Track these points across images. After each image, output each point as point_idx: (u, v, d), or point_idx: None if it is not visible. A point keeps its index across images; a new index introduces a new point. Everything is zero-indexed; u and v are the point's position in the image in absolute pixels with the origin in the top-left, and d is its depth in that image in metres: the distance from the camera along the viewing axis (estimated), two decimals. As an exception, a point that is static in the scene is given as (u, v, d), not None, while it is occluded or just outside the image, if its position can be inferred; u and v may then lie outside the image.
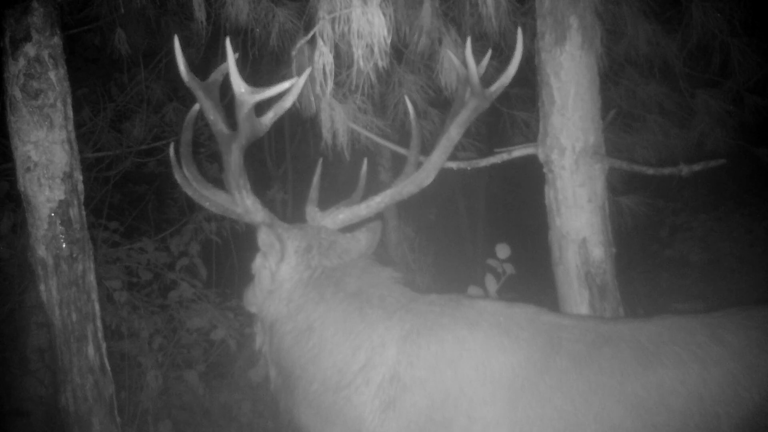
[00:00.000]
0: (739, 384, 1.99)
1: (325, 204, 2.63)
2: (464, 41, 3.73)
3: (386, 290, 2.41)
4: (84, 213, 3.32)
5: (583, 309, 3.20)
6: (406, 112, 4.45)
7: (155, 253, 4.99)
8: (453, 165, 3.43)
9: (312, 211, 2.57)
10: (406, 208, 6.76)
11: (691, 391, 2.00)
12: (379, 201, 2.50)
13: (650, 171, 3.35)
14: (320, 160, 2.71)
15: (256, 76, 6.31)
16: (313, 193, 2.61)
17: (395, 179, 2.56)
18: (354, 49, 2.69)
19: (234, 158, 2.36)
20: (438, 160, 2.47)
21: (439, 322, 2.26)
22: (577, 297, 3.22)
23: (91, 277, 3.31)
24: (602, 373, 2.07)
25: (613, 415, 2.03)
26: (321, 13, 2.75)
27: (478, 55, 3.95)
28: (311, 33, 2.83)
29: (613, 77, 4.48)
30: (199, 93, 2.38)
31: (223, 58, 2.33)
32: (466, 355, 2.17)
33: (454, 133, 2.47)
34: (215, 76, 2.45)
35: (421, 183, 2.50)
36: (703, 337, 2.09)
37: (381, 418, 2.18)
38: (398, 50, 3.85)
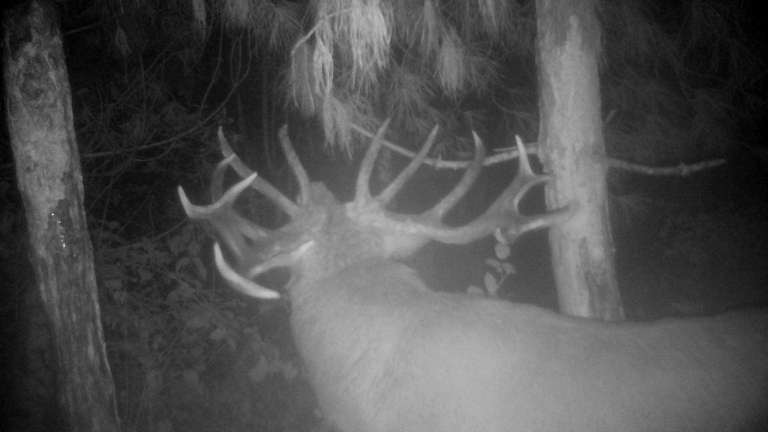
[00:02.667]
0: (744, 386, 1.97)
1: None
2: (464, 41, 3.74)
3: (391, 287, 2.45)
4: (84, 213, 3.31)
5: (583, 309, 3.20)
6: (406, 112, 4.46)
7: (155, 253, 4.99)
8: (453, 165, 3.43)
9: (360, 195, 2.68)
10: (406, 209, 6.74)
11: (692, 395, 1.98)
12: (414, 232, 2.66)
13: (650, 171, 3.35)
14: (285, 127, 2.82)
15: (256, 77, 6.34)
16: (363, 175, 2.70)
17: (443, 199, 2.72)
18: (354, 49, 2.69)
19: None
20: (477, 231, 2.66)
21: (437, 320, 2.28)
22: (577, 297, 3.22)
23: (91, 277, 3.31)
24: (598, 378, 2.07)
25: (608, 420, 2.02)
26: (321, 13, 2.75)
27: (479, 55, 3.98)
28: (310, 33, 2.83)
29: (613, 77, 4.47)
30: (217, 224, 2.56)
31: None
32: (458, 354, 2.19)
33: (492, 223, 2.67)
34: (225, 199, 2.52)
35: (455, 240, 2.67)
36: (704, 341, 2.07)
37: (376, 409, 2.23)
38: (398, 50, 3.84)
